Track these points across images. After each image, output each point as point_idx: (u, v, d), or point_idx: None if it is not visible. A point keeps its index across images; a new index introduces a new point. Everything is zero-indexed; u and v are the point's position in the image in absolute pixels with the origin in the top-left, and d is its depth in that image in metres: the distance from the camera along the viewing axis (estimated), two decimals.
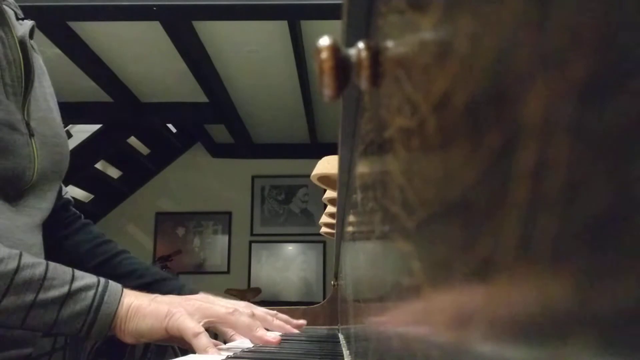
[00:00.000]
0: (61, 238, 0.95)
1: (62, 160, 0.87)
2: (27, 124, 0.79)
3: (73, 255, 0.94)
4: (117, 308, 0.74)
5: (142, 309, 0.75)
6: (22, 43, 0.80)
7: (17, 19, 0.83)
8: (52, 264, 0.72)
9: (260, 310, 0.85)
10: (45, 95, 0.87)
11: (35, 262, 0.70)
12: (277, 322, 0.86)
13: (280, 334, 0.87)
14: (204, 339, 0.72)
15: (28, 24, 0.84)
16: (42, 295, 0.69)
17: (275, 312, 0.96)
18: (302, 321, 1.02)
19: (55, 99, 0.92)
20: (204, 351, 0.71)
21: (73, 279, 0.72)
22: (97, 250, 0.97)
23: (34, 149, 0.79)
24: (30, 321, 0.69)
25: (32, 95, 0.82)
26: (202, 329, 0.73)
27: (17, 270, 0.68)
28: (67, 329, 0.71)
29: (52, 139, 0.84)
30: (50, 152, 0.83)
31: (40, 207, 0.83)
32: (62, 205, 0.96)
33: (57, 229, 0.93)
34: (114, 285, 0.75)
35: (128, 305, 0.75)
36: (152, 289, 0.85)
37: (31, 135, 0.79)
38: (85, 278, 0.74)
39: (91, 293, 0.72)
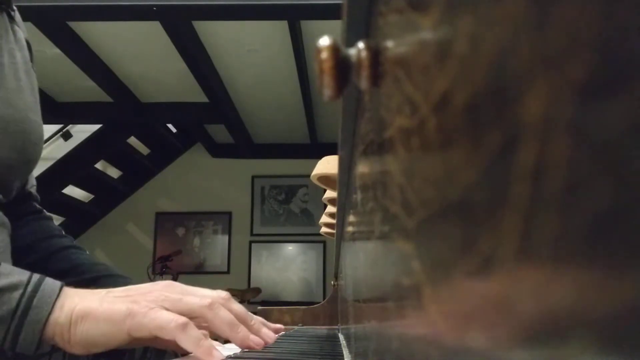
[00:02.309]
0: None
1: (29, 147, 0.74)
2: None
3: (18, 249, 0.78)
4: (49, 313, 0.59)
5: (92, 312, 0.60)
6: None
7: None
8: None
9: (239, 307, 0.68)
10: (17, 72, 0.75)
11: None
12: (256, 325, 0.69)
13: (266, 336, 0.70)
14: (194, 331, 0.59)
15: None
16: None
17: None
18: (279, 325, 0.85)
19: (34, 77, 0.81)
20: (198, 345, 0.58)
21: None
22: (42, 244, 0.84)
23: None
24: None
25: None
26: (185, 318, 0.59)
27: None
28: None
29: (18, 124, 0.72)
30: (14, 139, 0.71)
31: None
32: (17, 197, 0.82)
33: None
34: (49, 285, 0.60)
35: (70, 309, 0.60)
36: (96, 287, 0.67)
37: None
38: (13, 275, 0.59)
39: (16, 295, 0.58)
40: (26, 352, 0.58)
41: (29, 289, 0.59)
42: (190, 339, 0.58)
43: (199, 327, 0.64)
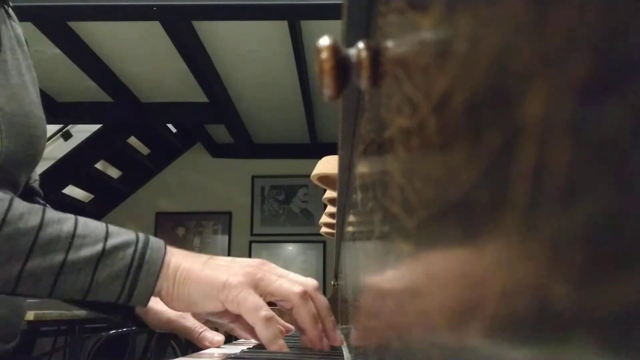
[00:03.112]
0: None
1: (35, 141, 0.77)
2: None
3: None
4: (160, 268, 0.63)
5: (194, 273, 0.63)
6: None
7: None
8: (82, 219, 0.63)
9: (323, 300, 0.68)
10: (19, 69, 0.77)
11: (62, 217, 0.62)
12: (331, 324, 0.69)
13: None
14: (274, 327, 0.61)
15: None
16: (73, 255, 0.59)
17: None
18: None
19: (34, 73, 0.82)
20: (272, 342, 0.60)
21: (107, 235, 0.62)
22: None
23: None
24: (61, 286, 0.59)
25: (1, 68, 0.73)
26: (272, 312, 0.61)
27: (40, 226, 0.59)
28: (105, 294, 0.61)
29: (23, 119, 0.74)
30: (20, 134, 0.73)
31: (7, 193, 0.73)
32: (23, 192, 0.83)
33: None
34: (155, 242, 0.65)
35: (176, 267, 0.63)
36: None
37: None
38: (122, 234, 0.64)
39: (130, 251, 0.62)
40: (139, 304, 0.63)
41: (140, 245, 0.63)
42: (268, 333, 0.61)
43: (282, 309, 0.67)
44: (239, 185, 5.50)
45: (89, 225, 0.63)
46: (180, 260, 0.64)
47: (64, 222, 0.61)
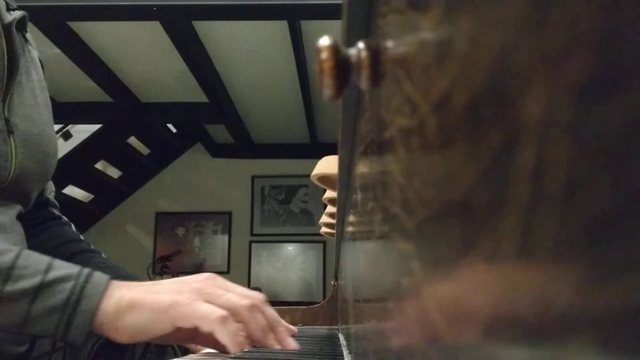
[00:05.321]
0: (28, 237, 0.85)
1: (46, 159, 0.80)
2: (7, 120, 0.73)
3: None
4: (99, 302, 0.62)
5: (138, 301, 0.63)
6: (7, 32, 0.74)
7: (8, 9, 0.78)
8: (26, 252, 0.63)
9: (272, 312, 0.70)
10: (33, 90, 0.81)
11: (5, 249, 0.62)
12: (283, 332, 0.69)
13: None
14: (232, 325, 0.61)
15: (18, 13, 0.78)
16: (10, 287, 0.59)
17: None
18: (294, 328, 0.84)
19: (47, 93, 0.86)
20: (233, 339, 0.60)
21: (49, 268, 0.62)
22: (58, 250, 0.87)
23: (13, 147, 0.73)
24: None
25: (16, 89, 0.76)
26: (226, 312, 0.61)
27: None
28: (41, 327, 0.61)
29: (36, 137, 0.78)
30: (33, 151, 0.77)
31: (19, 206, 0.77)
32: (37, 204, 0.87)
33: (25, 227, 0.83)
34: (98, 277, 0.64)
35: (118, 300, 0.63)
36: None
37: (10, 132, 0.73)
38: (64, 268, 0.63)
39: (69, 285, 0.61)
40: (77, 340, 0.61)
41: (81, 279, 0.62)
42: (227, 332, 0.60)
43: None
44: (238, 185, 5.50)
45: (31, 258, 0.62)
46: (124, 292, 0.64)
47: (6, 253, 0.61)
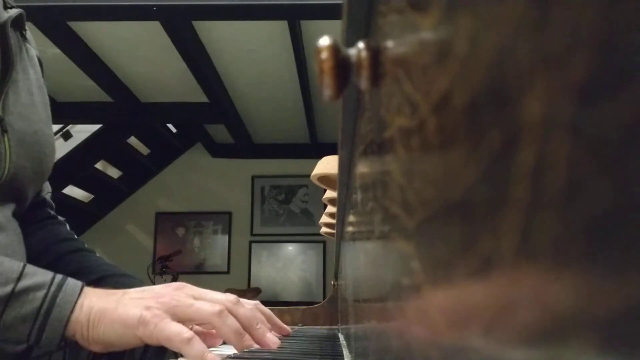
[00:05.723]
0: (23, 236, 0.84)
1: (43, 159, 0.79)
2: (1, 119, 0.73)
3: (31, 253, 0.82)
4: (71, 312, 0.62)
5: (108, 314, 0.63)
6: (2, 30, 0.73)
7: (5, 7, 0.77)
8: None
9: (246, 311, 0.69)
10: (30, 89, 0.80)
11: None
12: (261, 330, 0.70)
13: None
14: (198, 345, 0.61)
15: (14, 11, 0.78)
16: None
17: (255, 303, 0.78)
18: (287, 328, 0.86)
19: (45, 93, 0.85)
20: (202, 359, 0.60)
21: (21, 276, 0.61)
22: (53, 248, 0.87)
23: (7, 146, 0.73)
24: None
25: (12, 88, 0.75)
26: (192, 332, 0.62)
27: None
28: (12, 335, 0.61)
29: (32, 136, 0.77)
30: (29, 151, 0.76)
31: (14, 205, 0.77)
32: (33, 204, 0.87)
33: (21, 226, 0.82)
34: (71, 285, 0.63)
35: (89, 309, 0.63)
36: (100, 287, 0.71)
37: (4, 131, 0.73)
38: (37, 276, 0.63)
39: (40, 294, 0.61)
40: (49, 348, 0.62)
41: (53, 288, 0.62)
42: (193, 351, 0.60)
43: (208, 331, 0.69)
44: (238, 186, 5.50)
45: (4, 266, 0.62)
46: (94, 301, 0.63)
47: None
